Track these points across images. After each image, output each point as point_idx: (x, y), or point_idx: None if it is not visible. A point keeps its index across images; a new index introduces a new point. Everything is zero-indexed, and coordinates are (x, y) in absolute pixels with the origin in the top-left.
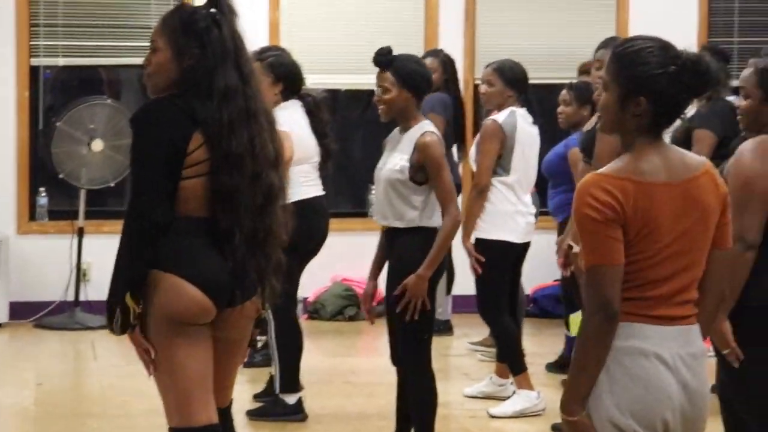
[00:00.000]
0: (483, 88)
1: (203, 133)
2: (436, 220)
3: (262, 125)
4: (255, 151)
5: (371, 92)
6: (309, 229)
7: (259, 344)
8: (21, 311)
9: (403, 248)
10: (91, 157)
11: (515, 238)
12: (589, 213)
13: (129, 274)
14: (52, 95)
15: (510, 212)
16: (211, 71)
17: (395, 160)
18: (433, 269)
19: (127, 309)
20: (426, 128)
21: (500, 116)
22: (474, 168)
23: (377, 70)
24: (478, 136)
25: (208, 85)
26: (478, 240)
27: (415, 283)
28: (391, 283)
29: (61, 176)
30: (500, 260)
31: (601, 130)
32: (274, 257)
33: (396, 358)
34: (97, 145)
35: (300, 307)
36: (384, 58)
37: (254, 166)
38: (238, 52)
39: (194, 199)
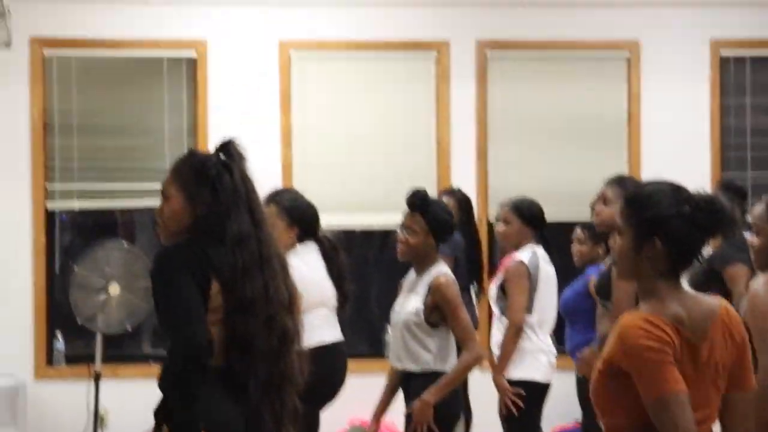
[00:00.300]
0: (500, 227)
1: (218, 279)
2: (450, 364)
3: (276, 269)
4: (269, 295)
5: (386, 232)
6: (327, 374)
7: None
8: None
9: (418, 394)
10: (108, 301)
11: (540, 376)
12: (645, 343)
13: (183, 402)
14: (68, 239)
15: (533, 351)
16: (224, 217)
17: (411, 302)
18: (438, 396)
19: None
20: (441, 270)
21: (524, 256)
22: (495, 309)
23: (392, 209)
24: (500, 275)
25: (221, 231)
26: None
27: (419, 408)
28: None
29: (80, 322)
30: (528, 400)
31: (619, 277)
32: (290, 403)
33: None
34: (114, 289)
35: None
36: (420, 201)
37: (268, 310)
38: (249, 198)
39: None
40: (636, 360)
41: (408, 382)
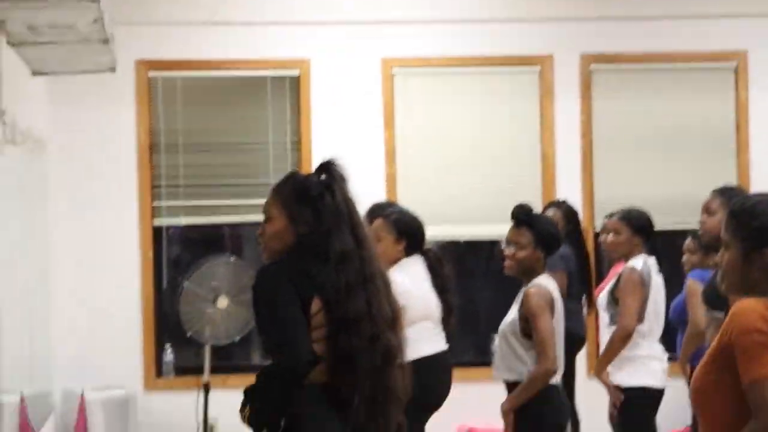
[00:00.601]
0: (609, 237)
1: (321, 297)
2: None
3: (378, 287)
4: (372, 313)
5: (491, 243)
6: (431, 385)
7: None
8: None
9: None
10: (216, 314)
11: (655, 382)
12: (758, 325)
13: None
14: (175, 253)
15: (646, 358)
16: (326, 237)
17: (511, 313)
18: (513, 405)
19: None
20: (538, 282)
21: (637, 264)
22: (604, 315)
23: (497, 221)
24: (610, 283)
25: (324, 250)
26: (617, 388)
27: (503, 416)
28: None
29: (189, 335)
30: (642, 407)
31: (727, 291)
32: (394, 419)
33: None
34: (222, 302)
35: None
36: (525, 216)
37: (372, 328)
38: (351, 217)
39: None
40: (744, 339)
41: (508, 392)
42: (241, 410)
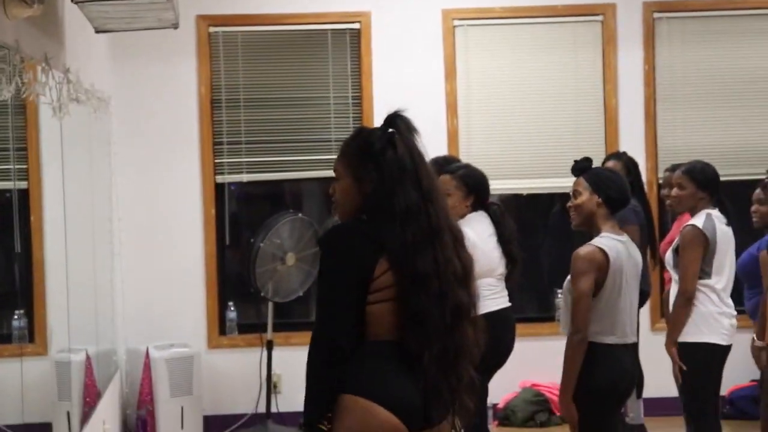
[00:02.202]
0: (674, 192)
1: (388, 257)
2: (602, 335)
3: (447, 242)
4: (440, 270)
5: (553, 195)
6: (495, 342)
7: None
8: (214, 424)
9: None
10: (284, 271)
11: (721, 339)
12: None
13: (317, 400)
14: (235, 210)
15: (715, 314)
16: (390, 193)
17: None
18: (567, 391)
19: None
20: (594, 240)
21: (698, 221)
22: (672, 273)
23: (560, 173)
24: (675, 241)
25: (389, 208)
26: (683, 344)
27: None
28: None
29: (262, 294)
30: (708, 363)
31: None
32: (465, 376)
33: None
34: (290, 259)
35: (490, 413)
36: (580, 165)
37: (441, 285)
38: (417, 171)
39: (382, 323)
40: None
41: None
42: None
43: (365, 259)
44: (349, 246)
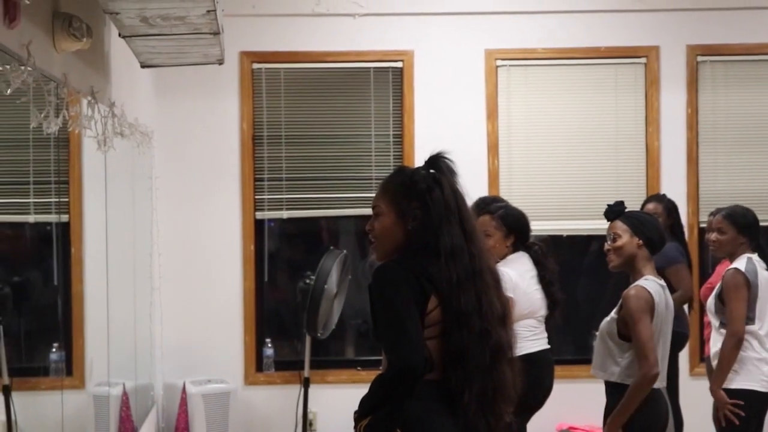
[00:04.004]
0: (713, 236)
1: (437, 294)
2: None
3: (488, 283)
4: (482, 309)
5: (592, 237)
6: (534, 383)
7: None
8: None
9: (609, 404)
10: (331, 308)
11: (762, 386)
12: None
13: (388, 423)
14: (273, 247)
15: (755, 360)
16: (436, 232)
17: (612, 313)
18: (617, 424)
19: None
20: (640, 282)
21: (740, 264)
22: (713, 320)
23: (600, 215)
24: (717, 286)
25: (434, 246)
26: (725, 390)
27: None
28: None
29: (319, 335)
30: (748, 410)
31: None
32: (504, 417)
33: None
34: (340, 297)
35: None
36: (615, 209)
37: (482, 323)
38: (460, 211)
39: (430, 360)
40: None
41: (606, 391)
42: (357, 421)
43: (420, 294)
44: (406, 279)
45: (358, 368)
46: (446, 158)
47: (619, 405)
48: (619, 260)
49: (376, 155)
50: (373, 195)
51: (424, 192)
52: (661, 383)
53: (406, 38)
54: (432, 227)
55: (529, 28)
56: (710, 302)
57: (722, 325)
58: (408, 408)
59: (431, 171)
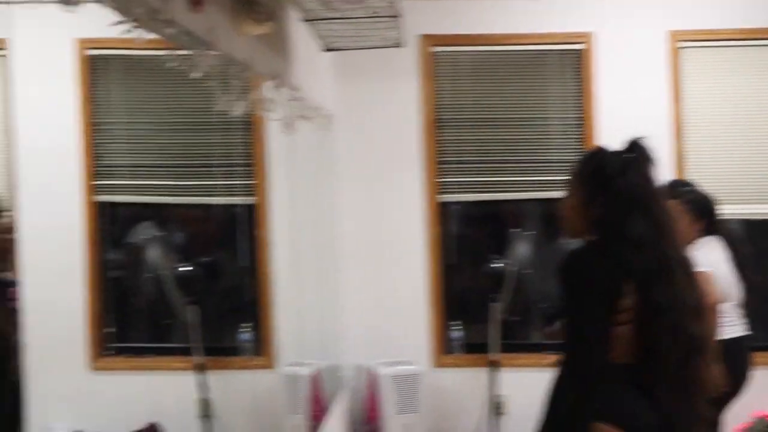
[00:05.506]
0: None
1: (626, 282)
2: None
3: (679, 275)
4: (673, 302)
5: None
6: (731, 371)
7: None
8: None
9: None
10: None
11: None
12: None
13: (577, 423)
14: (456, 229)
15: None
16: (620, 221)
17: None
18: None
19: None
20: None
21: None
22: None
23: None
24: None
25: (619, 233)
26: None
27: None
28: None
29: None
30: None
31: None
32: (700, 411)
33: None
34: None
35: None
36: None
37: (674, 316)
38: (649, 200)
39: (621, 345)
40: None
41: None
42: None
43: (613, 281)
44: (598, 267)
45: (545, 352)
46: (644, 144)
47: None
48: None
49: (557, 138)
50: (554, 178)
51: (610, 179)
52: None
53: (588, 20)
54: (616, 215)
55: (713, 7)
56: None
57: None
58: (610, 393)
59: (625, 156)
